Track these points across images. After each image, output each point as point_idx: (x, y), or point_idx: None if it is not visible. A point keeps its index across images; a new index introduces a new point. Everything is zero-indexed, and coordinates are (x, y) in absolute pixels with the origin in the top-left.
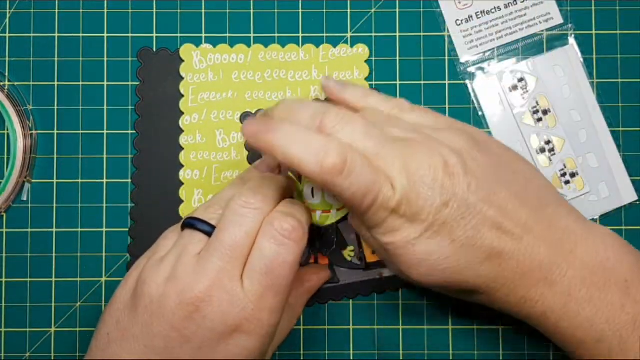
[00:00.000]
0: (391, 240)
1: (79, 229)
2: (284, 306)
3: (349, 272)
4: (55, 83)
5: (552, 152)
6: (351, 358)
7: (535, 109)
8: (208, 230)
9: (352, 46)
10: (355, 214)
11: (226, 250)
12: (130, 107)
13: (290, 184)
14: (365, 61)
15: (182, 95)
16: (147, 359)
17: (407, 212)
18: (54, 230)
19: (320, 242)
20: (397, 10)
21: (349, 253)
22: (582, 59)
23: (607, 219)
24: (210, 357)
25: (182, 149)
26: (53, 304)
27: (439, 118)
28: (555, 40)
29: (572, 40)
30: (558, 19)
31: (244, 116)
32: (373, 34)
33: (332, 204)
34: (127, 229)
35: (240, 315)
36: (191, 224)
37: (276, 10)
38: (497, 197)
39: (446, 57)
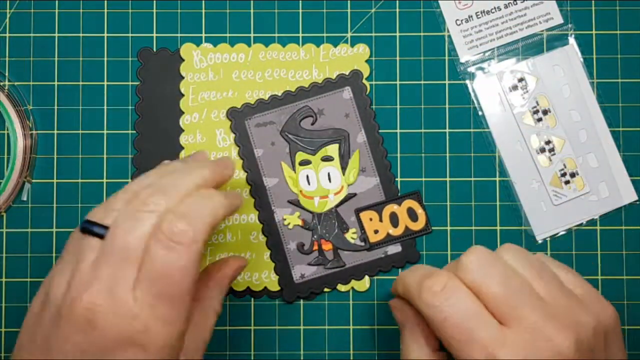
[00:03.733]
0: None
1: None
2: (184, 316)
3: (354, 254)
4: (55, 83)
5: (552, 152)
6: (351, 358)
7: (535, 109)
8: (103, 234)
9: (352, 46)
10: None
11: (116, 256)
12: (130, 107)
13: (221, 173)
14: (366, 61)
15: (183, 95)
16: None
17: None
18: (54, 230)
19: (322, 227)
20: (397, 10)
21: (351, 235)
22: (582, 59)
23: (607, 219)
24: None
25: (182, 148)
26: None
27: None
28: (555, 40)
29: (572, 40)
30: (558, 19)
31: (230, 112)
32: (373, 34)
33: (329, 189)
34: None
35: (133, 326)
36: (85, 228)
37: (276, 10)
38: None
39: (446, 57)
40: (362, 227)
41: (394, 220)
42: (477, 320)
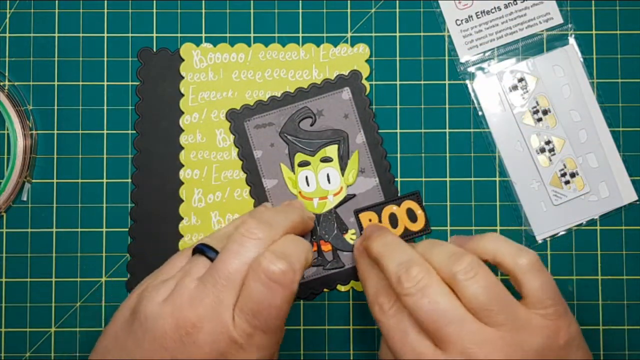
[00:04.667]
0: None
1: (79, 229)
2: (276, 342)
3: (353, 255)
4: (55, 83)
5: (552, 152)
6: (351, 358)
7: (535, 109)
8: (213, 257)
9: (352, 46)
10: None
11: (221, 280)
12: (130, 107)
13: (306, 221)
14: (366, 61)
15: (182, 95)
16: None
17: None
18: (54, 230)
19: (321, 228)
20: (397, 10)
21: (350, 236)
22: (582, 59)
23: (607, 219)
24: None
25: (182, 148)
26: (53, 304)
27: (558, 296)
28: (555, 40)
29: (572, 40)
30: (558, 19)
31: (229, 113)
32: (373, 34)
33: (328, 190)
34: (127, 229)
35: (229, 346)
36: (200, 249)
37: (276, 10)
38: None
39: (446, 57)
40: (361, 228)
41: (393, 221)
42: (412, 339)
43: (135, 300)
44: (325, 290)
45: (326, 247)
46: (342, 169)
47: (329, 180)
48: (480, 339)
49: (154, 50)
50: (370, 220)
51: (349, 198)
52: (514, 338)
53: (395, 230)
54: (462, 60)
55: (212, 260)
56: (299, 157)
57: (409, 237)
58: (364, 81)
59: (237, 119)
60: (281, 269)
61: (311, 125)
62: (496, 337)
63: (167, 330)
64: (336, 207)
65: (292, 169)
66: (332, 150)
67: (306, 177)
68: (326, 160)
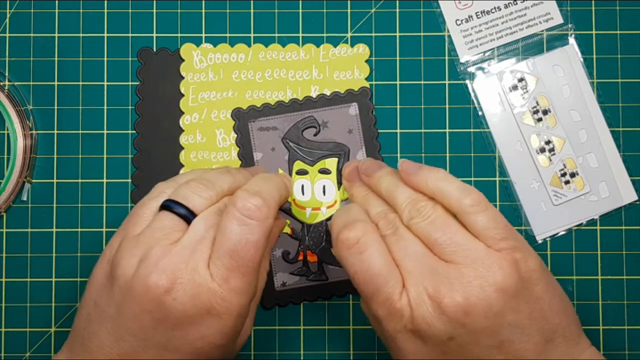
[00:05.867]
0: (389, 333)
1: (79, 229)
2: (254, 286)
3: (338, 270)
4: (55, 83)
5: (552, 152)
6: (351, 358)
7: (535, 109)
8: (185, 214)
9: (352, 46)
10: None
11: (192, 237)
12: (130, 107)
13: (288, 188)
14: (366, 61)
15: (183, 95)
16: (123, 339)
17: (409, 326)
18: (54, 230)
19: (310, 239)
20: (397, 10)
21: None
22: (582, 59)
23: (607, 219)
24: (184, 338)
25: (182, 148)
26: (53, 304)
27: (509, 230)
28: (555, 40)
29: (572, 40)
30: (558, 19)
31: (235, 112)
32: (373, 34)
33: (322, 201)
34: None
35: (209, 298)
36: (169, 206)
37: (276, 10)
38: (510, 346)
39: (446, 57)
40: None
41: None
42: (383, 279)
43: (109, 264)
44: (305, 301)
45: (312, 258)
46: (339, 183)
47: (324, 192)
48: (445, 277)
49: (154, 50)
50: None
51: None
52: (473, 273)
53: None
54: (462, 60)
55: (183, 217)
56: (298, 165)
57: None
58: (372, 100)
59: (242, 118)
60: (255, 204)
61: (314, 135)
62: (454, 271)
63: (144, 293)
64: (328, 219)
65: (290, 176)
66: (331, 163)
67: (302, 186)
68: (324, 172)
